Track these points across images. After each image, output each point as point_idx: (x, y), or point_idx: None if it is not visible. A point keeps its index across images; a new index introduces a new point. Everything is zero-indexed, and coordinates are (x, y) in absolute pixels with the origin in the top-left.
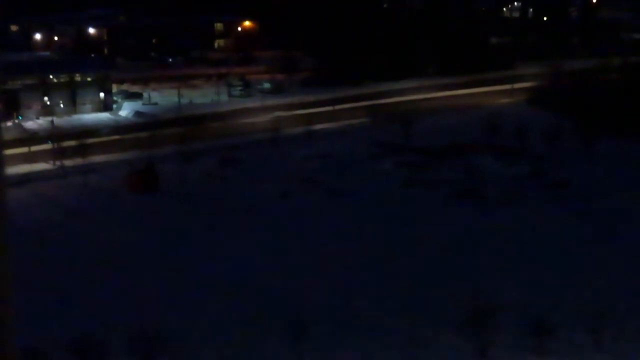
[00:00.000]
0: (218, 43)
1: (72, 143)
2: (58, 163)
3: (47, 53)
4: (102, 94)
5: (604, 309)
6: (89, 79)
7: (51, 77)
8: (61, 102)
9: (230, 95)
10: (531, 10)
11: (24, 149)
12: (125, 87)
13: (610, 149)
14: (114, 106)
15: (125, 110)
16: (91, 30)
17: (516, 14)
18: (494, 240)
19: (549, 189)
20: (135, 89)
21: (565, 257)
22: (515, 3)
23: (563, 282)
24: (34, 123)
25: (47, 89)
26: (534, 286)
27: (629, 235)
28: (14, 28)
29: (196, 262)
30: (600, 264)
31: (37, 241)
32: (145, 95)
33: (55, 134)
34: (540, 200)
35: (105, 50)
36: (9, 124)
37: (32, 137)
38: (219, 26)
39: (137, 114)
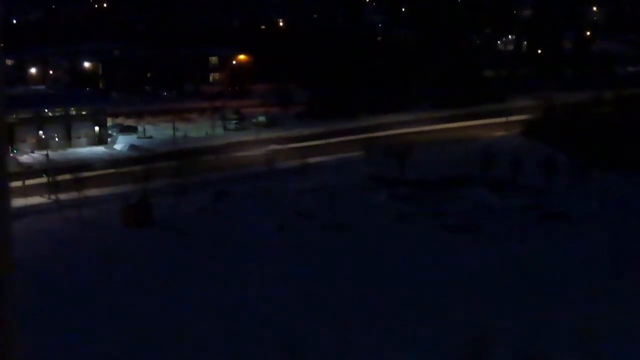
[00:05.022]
0: (213, 76)
1: (67, 177)
2: (53, 197)
3: (42, 87)
4: (96, 128)
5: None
6: (83, 113)
7: (46, 110)
8: (56, 135)
9: (225, 128)
10: (525, 43)
11: (19, 183)
12: (119, 120)
13: (604, 182)
14: (109, 140)
15: (120, 144)
16: (86, 64)
17: (510, 47)
18: (492, 273)
19: (546, 221)
20: (129, 122)
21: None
22: (510, 36)
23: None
24: (29, 157)
25: (41, 122)
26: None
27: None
28: (8, 62)
29: (190, 295)
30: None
31: (29, 273)
32: (140, 128)
33: (50, 168)
34: (537, 233)
35: (100, 84)
36: None
37: (26, 171)
38: (213, 59)
39: (132, 147)
